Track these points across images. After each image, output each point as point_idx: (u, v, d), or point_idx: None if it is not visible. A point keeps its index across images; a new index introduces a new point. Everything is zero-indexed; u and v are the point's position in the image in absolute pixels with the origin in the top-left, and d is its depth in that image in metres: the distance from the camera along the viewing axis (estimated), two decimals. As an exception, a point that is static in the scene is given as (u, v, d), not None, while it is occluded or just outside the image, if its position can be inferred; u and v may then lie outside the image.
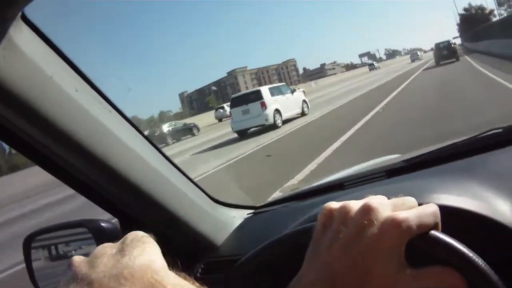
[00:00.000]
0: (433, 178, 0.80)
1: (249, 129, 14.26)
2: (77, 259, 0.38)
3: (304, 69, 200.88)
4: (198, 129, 24.38)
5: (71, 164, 0.74)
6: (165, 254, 0.36)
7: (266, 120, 13.76)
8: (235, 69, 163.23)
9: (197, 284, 0.38)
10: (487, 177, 0.72)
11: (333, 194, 0.98)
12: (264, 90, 14.45)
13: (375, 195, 0.49)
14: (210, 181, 7.46)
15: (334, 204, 0.48)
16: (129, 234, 0.41)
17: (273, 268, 0.66)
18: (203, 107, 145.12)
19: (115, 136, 0.75)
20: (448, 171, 0.82)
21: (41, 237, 0.92)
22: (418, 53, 71.06)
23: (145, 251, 0.37)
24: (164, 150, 0.92)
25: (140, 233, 0.40)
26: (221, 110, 36.45)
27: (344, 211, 0.46)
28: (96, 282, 0.34)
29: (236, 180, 7.14)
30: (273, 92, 14.61)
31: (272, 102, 14.02)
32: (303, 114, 15.83)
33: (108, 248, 0.38)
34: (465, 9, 48.89)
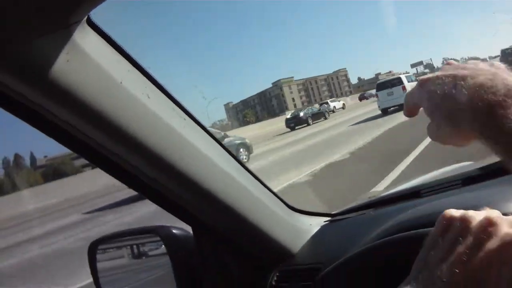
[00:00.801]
0: (510, 185, 0.77)
1: (391, 107, 17.97)
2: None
3: (359, 78, 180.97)
4: (329, 114, 31.74)
5: (143, 173, 0.72)
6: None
7: None
8: (280, 80, 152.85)
9: None
10: None
11: (410, 203, 0.96)
12: (403, 77, 19.26)
13: (452, 203, 0.50)
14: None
15: (454, 212, 0.46)
16: None
17: (360, 279, 0.65)
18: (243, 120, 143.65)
19: (190, 143, 0.72)
20: None
21: (108, 243, 0.90)
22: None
23: None
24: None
25: None
26: (325, 105, 43.89)
27: (465, 221, 0.45)
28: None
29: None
30: (408, 79, 19.02)
31: (409, 86, 17.27)
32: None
33: None
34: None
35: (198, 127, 0.77)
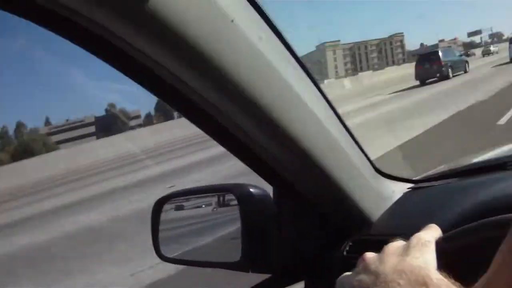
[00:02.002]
0: None
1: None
2: (369, 255, 0.51)
3: (422, 44, 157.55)
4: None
5: (236, 124, 0.68)
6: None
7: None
8: (325, 43, 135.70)
9: (458, 284, 0.43)
10: None
11: (496, 175, 0.90)
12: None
13: None
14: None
15: None
16: (414, 237, 0.52)
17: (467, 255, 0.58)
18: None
19: (295, 95, 0.68)
20: None
21: (175, 200, 0.87)
22: None
23: (423, 253, 0.48)
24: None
25: (423, 238, 0.51)
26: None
27: None
28: (383, 274, 0.46)
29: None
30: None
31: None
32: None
33: (396, 248, 0.51)
34: None
35: (307, 78, 0.72)
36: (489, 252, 0.42)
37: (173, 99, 0.65)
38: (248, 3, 0.61)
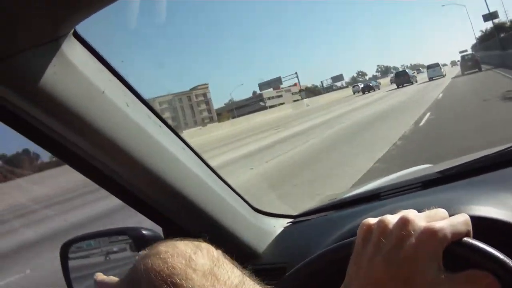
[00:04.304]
0: (466, 190, 0.83)
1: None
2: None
3: (255, 92, 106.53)
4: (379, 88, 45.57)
5: (119, 175, 0.76)
6: None
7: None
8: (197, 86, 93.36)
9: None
10: None
11: (370, 205, 0.99)
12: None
13: (410, 206, 0.53)
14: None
15: (371, 220, 0.51)
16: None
17: (319, 279, 0.68)
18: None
19: (164, 148, 0.78)
20: (481, 183, 0.84)
21: (79, 244, 0.92)
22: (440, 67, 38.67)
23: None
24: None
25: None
26: (357, 87, 58.83)
27: (382, 225, 0.48)
28: None
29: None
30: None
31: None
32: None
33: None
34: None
35: (172, 133, 0.82)
36: (342, 271, 0.49)
37: (69, 159, 0.72)
38: (112, 75, 0.69)
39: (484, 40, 38.02)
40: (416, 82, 36.74)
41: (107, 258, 0.92)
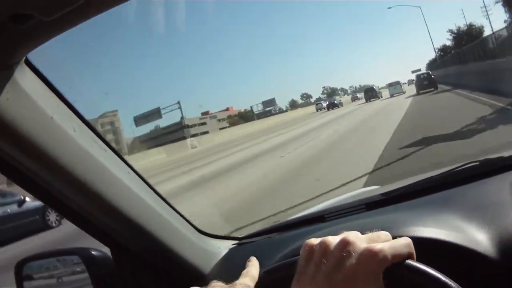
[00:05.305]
0: (410, 211, 0.84)
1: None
2: None
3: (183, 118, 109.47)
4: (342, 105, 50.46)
5: (66, 196, 0.78)
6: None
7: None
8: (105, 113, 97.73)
9: None
10: (462, 209, 0.76)
11: (314, 227, 1.00)
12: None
13: (354, 227, 0.54)
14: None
15: (314, 240, 0.52)
16: (238, 282, 0.63)
17: None
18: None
19: (110, 172, 0.80)
20: (425, 204, 0.86)
21: (33, 263, 0.97)
22: (399, 85, 39.39)
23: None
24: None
25: (249, 272, 0.66)
26: (320, 105, 62.19)
27: (324, 245, 0.50)
28: None
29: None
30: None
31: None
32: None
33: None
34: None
35: (117, 157, 0.84)
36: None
37: (22, 181, 0.74)
38: (60, 101, 0.71)
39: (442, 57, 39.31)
40: (382, 97, 41.77)
41: (59, 280, 0.98)
